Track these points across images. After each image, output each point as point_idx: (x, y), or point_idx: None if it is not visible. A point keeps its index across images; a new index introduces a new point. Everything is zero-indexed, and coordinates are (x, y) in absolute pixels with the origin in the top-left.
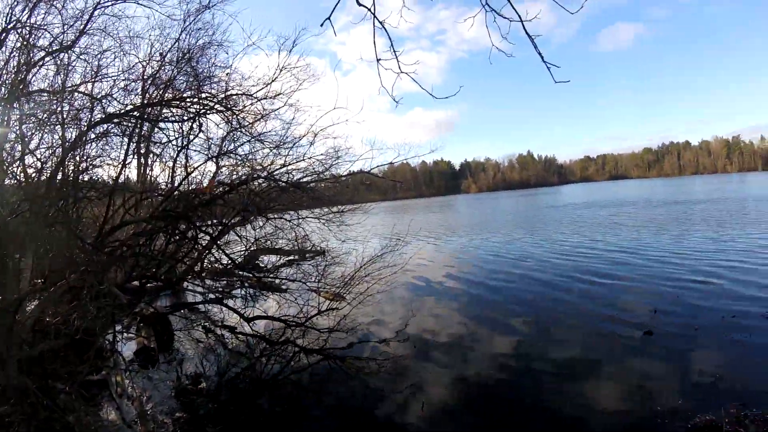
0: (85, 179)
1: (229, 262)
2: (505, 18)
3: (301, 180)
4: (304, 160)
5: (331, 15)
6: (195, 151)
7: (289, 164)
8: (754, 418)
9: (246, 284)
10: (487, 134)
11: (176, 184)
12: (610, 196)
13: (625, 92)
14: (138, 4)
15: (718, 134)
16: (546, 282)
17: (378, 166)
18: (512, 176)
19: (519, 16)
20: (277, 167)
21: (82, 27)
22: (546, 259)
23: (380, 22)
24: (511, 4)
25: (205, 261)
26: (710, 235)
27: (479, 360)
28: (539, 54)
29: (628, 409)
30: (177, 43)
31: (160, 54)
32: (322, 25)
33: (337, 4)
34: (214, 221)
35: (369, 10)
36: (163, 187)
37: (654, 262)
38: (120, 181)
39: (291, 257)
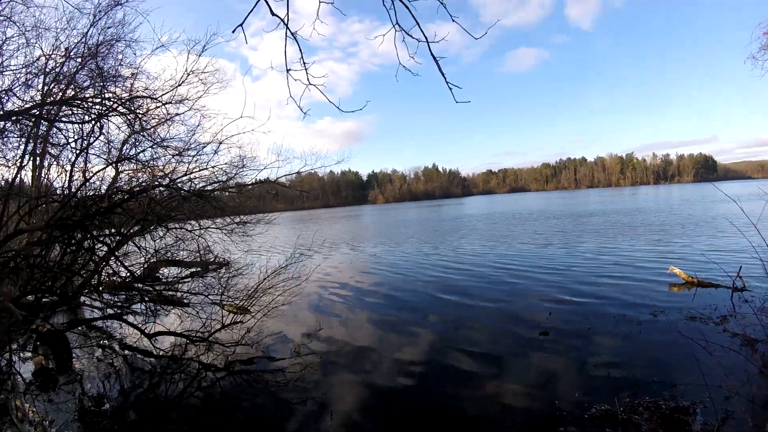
0: None
1: (128, 274)
2: (413, 38)
3: (205, 188)
4: (207, 168)
5: (243, 22)
6: (95, 155)
7: (192, 172)
8: (647, 405)
9: (146, 298)
10: (394, 146)
11: (74, 190)
12: (510, 208)
13: (526, 110)
14: None
15: (613, 152)
16: (448, 289)
17: (285, 176)
18: (418, 188)
19: (426, 38)
20: (180, 175)
21: None
22: (448, 268)
23: (292, 34)
24: (419, 25)
25: (103, 273)
26: (600, 243)
27: (386, 367)
28: (443, 75)
29: (529, 404)
30: (84, 39)
31: (66, 48)
32: (233, 31)
33: (250, 13)
34: (112, 231)
35: (282, 20)
36: (59, 192)
37: (549, 269)
38: (15, 184)
39: (193, 269)
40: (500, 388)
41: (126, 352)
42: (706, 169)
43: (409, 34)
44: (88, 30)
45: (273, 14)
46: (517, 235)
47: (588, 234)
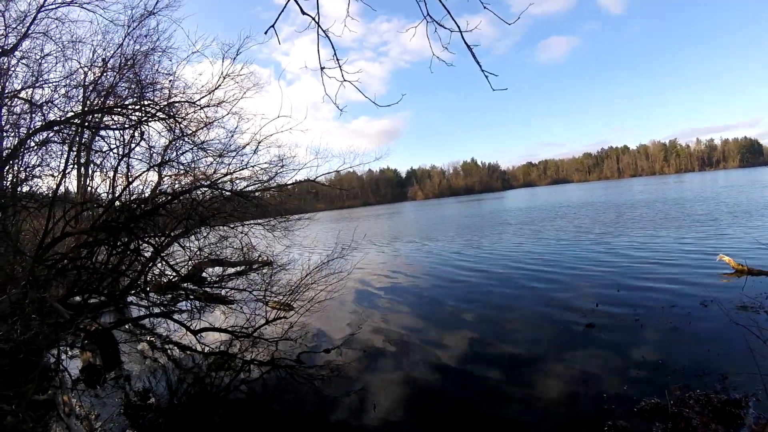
0: (24, 190)
1: (174, 274)
2: (445, 28)
3: (246, 189)
4: (247, 168)
5: (275, 23)
6: (137, 159)
7: (233, 173)
8: (698, 398)
9: (191, 297)
10: (432, 142)
11: (117, 194)
12: (551, 201)
13: (562, 100)
14: (82, 7)
15: (655, 138)
16: (490, 284)
17: (324, 174)
18: (457, 183)
19: (458, 27)
20: (221, 176)
21: (24, 30)
22: (490, 262)
23: (324, 31)
24: (450, 15)
25: (149, 274)
26: (646, 234)
27: (429, 360)
28: (477, 63)
29: (576, 398)
30: (120, 49)
31: (103, 60)
32: (266, 32)
33: (282, 11)
34: (157, 233)
35: (313, 19)
36: (103, 197)
37: (594, 261)
38: (60, 191)
39: (237, 268)
40: (545, 382)
41: (172, 348)
42: (753, 154)
43: (441, 25)
44: (124, 41)
45: (304, 13)
46: (560, 228)
47: (633, 224)
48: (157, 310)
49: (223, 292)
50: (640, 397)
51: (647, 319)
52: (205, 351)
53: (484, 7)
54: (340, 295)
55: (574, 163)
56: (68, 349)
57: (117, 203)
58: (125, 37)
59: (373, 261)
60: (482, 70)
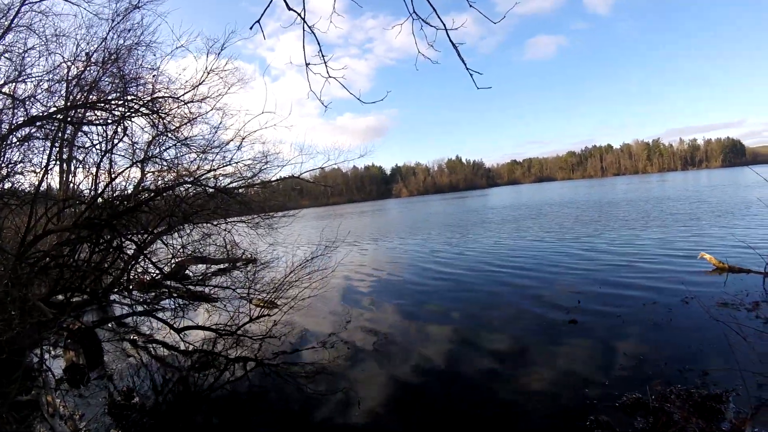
0: (6, 186)
1: (157, 272)
2: (431, 26)
3: (229, 185)
4: (231, 164)
5: (261, 18)
6: (119, 155)
7: (217, 169)
8: (679, 393)
9: (175, 295)
10: (418, 140)
11: (100, 191)
12: (535, 199)
13: (547, 99)
14: (66, 0)
15: (639, 138)
16: (474, 280)
17: (308, 171)
18: (442, 180)
19: (444, 25)
20: (204, 172)
21: (8, 24)
22: (473, 259)
23: (309, 28)
24: (436, 13)
25: (132, 272)
26: (629, 232)
27: (413, 358)
28: (462, 61)
29: (558, 394)
30: (104, 43)
31: (86, 54)
32: (251, 28)
33: (267, 7)
34: (140, 230)
35: (299, 14)
36: (86, 193)
37: (577, 258)
38: (42, 188)
39: (221, 266)
40: (528, 378)
41: (156, 347)
42: (735, 154)
43: (426, 22)
44: (107, 35)
45: (290, 9)
46: (543, 226)
47: (615, 223)
48: (140, 308)
49: (206, 289)
50: (622, 392)
51: (629, 316)
52: (189, 349)
53: (470, 6)
54: (324, 293)
55: (559, 162)
56: (51, 348)
57: (99, 200)
58: (109, 31)
59: (357, 258)
60: (467, 68)
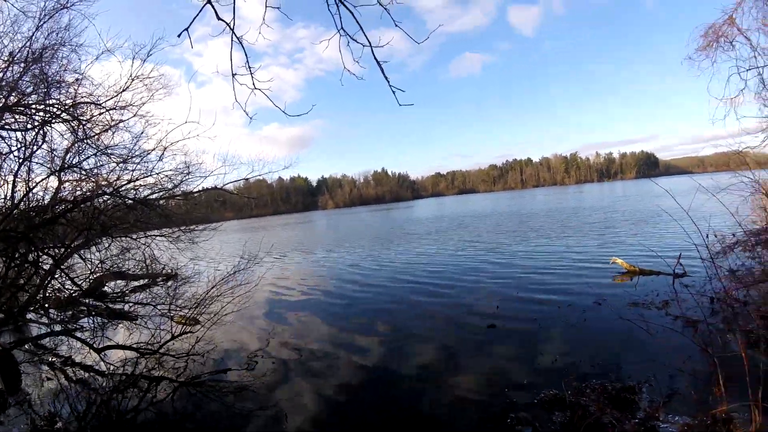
0: None
1: (75, 288)
2: (358, 43)
3: (150, 197)
4: (152, 175)
5: (189, 27)
6: (38, 163)
7: (137, 180)
8: (594, 388)
9: (94, 313)
10: (345, 151)
11: (16, 201)
12: (458, 210)
13: (471, 114)
14: None
15: (558, 152)
16: (398, 291)
17: (232, 182)
18: (368, 192)
19: (369, 42)
20: (124, 183)
21: None
22: (397, 270)
23: (238, 38)
24: (363, 31)
25: (49, 289)
26: (546, 240)
27: (339, 371)
28: (385, 77)
29: (481, 394)
30: (29, 43)
31: (10, 53)
32: (179, 35)
33: (196, 17)
34: (57, 243)
35: (228, 25)
36: (1, 204)
37: (497, 265)
38: None
39: (140, 282)
40: (452, 381)
41: (76, 369)
42: (648, 166)
43: (353, 39)
44: (33, 34)
45: (219, 18)
46: (464, 236)
47: (533, 232)
48: (58, 327)
49: (126, 307)
50: (540, 390)
51: (545, 319)
52: (111, 370)
53: (396, 25)
54: (248, 308)
55: (481, 174)
56: None
57: (16, 211)
58: (35, 29)
59: (281, 272)
60: (390, 85)
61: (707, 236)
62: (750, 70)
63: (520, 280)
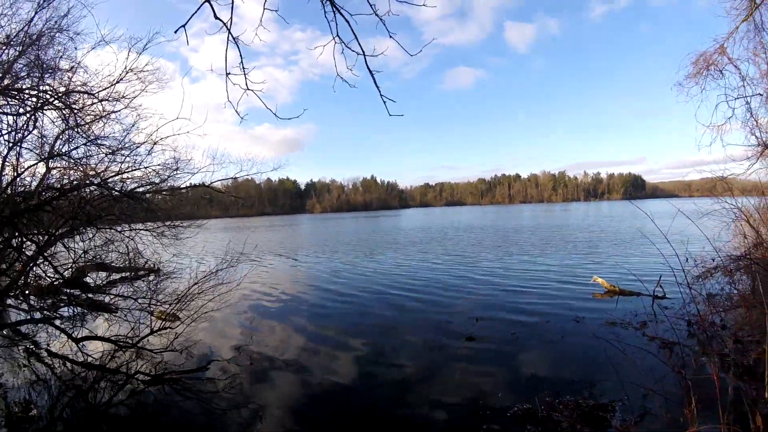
0: None
1: (56, 276)
2: (352, 51)
3: (136, 190)
4: (140, 169)
5: (186, 23)
6: (27, 149)
7: (125, 172)
8: (567, 404)
9: (74, 302)
10: (335, 156)
11: (3, 186)
12: (445, 222)
13: (463, 127)
14: None
15: (546, 169)
16: (379, 300)
17: (220, 180)
18: (356, 198)
19: (363, 51)
20: (112, 174)
21: None
22: (379, 279)
23: (234, 38)
24: (357, 39)
25: (30, 276)
26: (529, 256)
27: (316, 375)
28: (377, 87)
29: (454, 406)
30: (27, 27)
31: (7, 36)
32: (176, 32)
33: (193, 15)
34: (41, 230)
35: (224, 24)
36: None
37: (479, 280)
38: None
39: (122, 274)
40: (427, 391)
41: (53, 358)
42: (635, 188)
43: (348, 47)
44: (32, 18)
45: (216, 17)
46: (449, 249)
47: (518, 248)
48: (37, 315)
49: (106, 299)
50: (513, 404)
51: (523, 334)
52: (88, 361)
53: (391, 36)
54: (228, 307)
55: (469, 187)
56: None
57: (3, 196)
58: (34, 13)
59: (265, 273)
60: (381, 95)
61: (686, 260)
62: (738, 98)
63: (501, 295)
